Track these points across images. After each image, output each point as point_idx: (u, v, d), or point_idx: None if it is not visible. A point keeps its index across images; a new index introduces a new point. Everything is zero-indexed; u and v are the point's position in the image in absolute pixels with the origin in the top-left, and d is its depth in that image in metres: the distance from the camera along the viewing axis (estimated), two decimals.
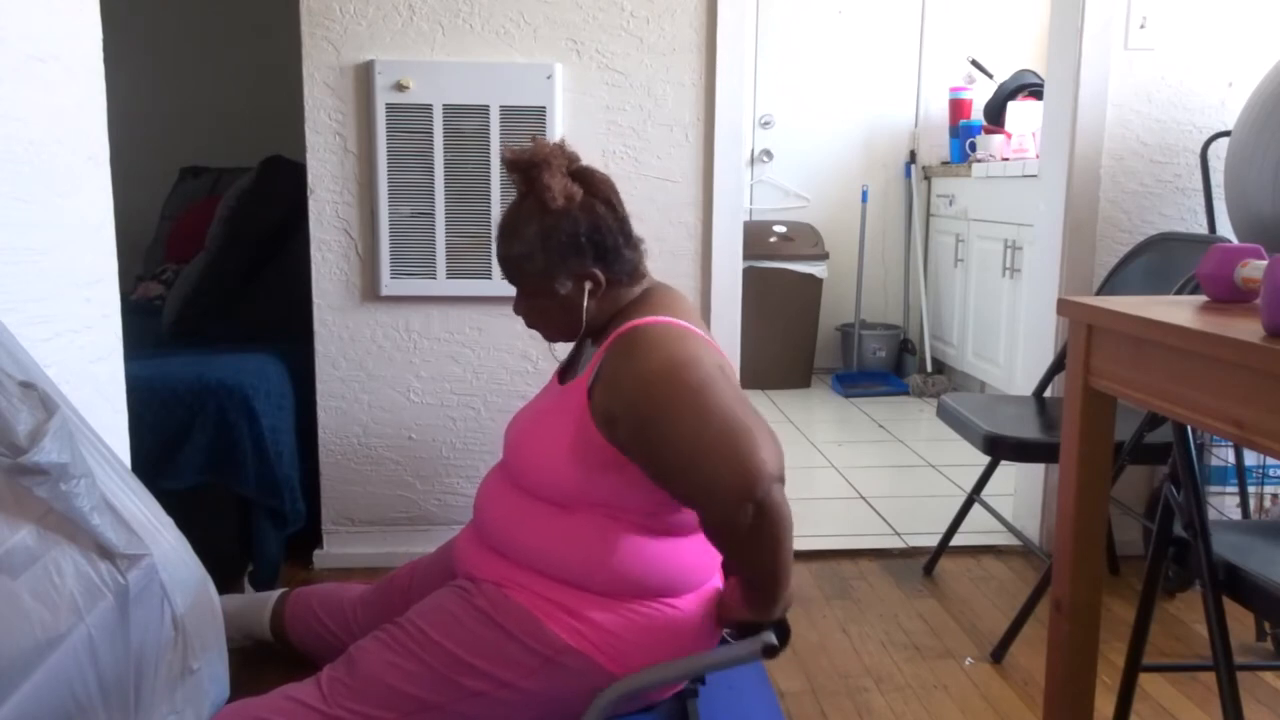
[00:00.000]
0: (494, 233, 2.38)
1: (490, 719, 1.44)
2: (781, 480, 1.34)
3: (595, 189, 1.53)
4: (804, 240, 4.53)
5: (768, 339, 4.47)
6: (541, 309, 1.57)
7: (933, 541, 2.57)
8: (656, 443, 1.36)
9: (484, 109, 2.35)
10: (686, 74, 2.41)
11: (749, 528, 1.32)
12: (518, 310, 1.59)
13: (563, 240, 1.49)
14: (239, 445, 2.13)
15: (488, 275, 2.41)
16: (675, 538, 1.48)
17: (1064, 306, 1.41)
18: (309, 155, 2.38)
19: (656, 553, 1.46)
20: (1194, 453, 1.47)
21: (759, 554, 1.35)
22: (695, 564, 1.50)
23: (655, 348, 1.41)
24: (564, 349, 2.18)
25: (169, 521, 1.38)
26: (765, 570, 1.36)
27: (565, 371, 1.65)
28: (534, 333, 2.45)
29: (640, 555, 1.45)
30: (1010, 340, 3.83)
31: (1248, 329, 1.09)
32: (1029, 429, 2.23)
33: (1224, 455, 2.41)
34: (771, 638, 1.38)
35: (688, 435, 1.33)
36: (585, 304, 1.53)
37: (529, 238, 1.51)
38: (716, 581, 1.57)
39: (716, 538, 1.37)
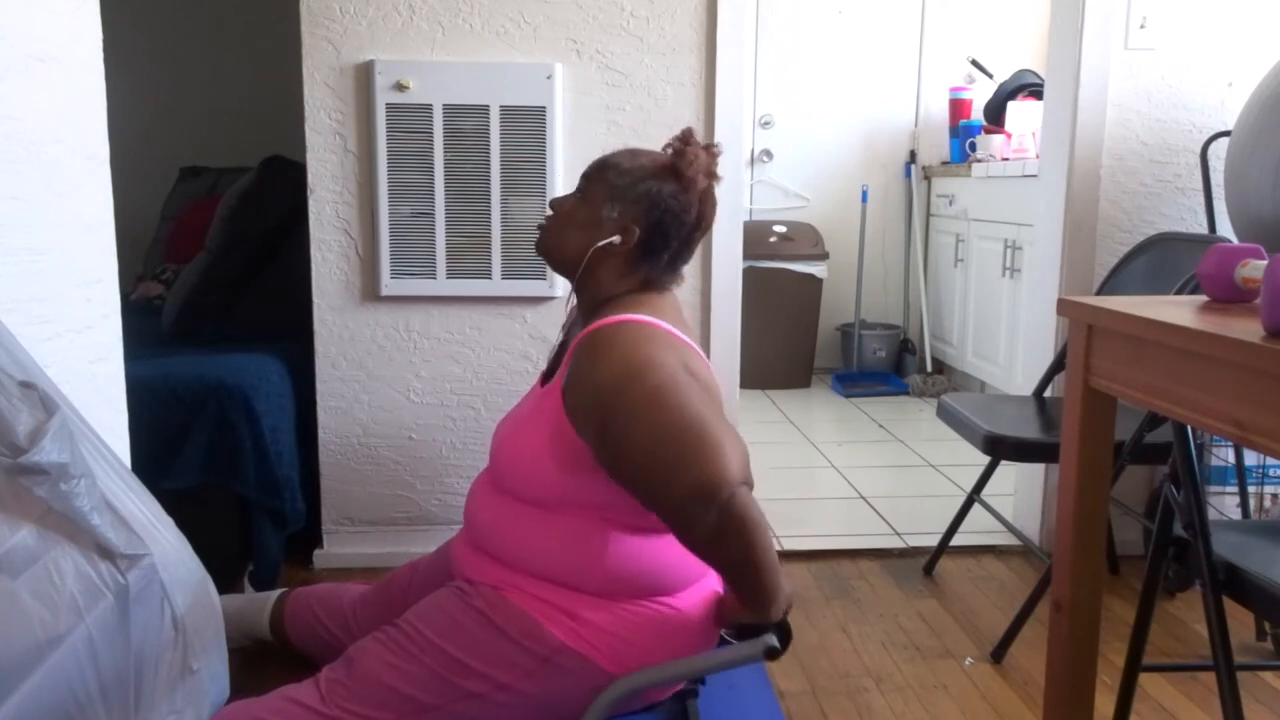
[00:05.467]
0: (494, 233, 2.39)
1: None
2: (748, 484, 1.33)
3: (705, 204, 1.57)
4: (804, 240, 4.53)
5: (768, 339, 4.47)
6: (571, 214, 1.56)
7: (933, 541, 2.57)
8: (614, 447, 1.36)
9: (484, 109, 2.35)
10: (686, 74, 2.41)
11: (714, 532, 1.31)
12: (554, 202, 1.60)
13: (653, 189, 1.52)
14: (239, 445, 2.13)
15: (488, 275, 2.41)
16: (667, 535, 1.47)
17: (1064, 306, 1.41)
18: (309, 155, 2.38)
19: (650, 551, 1.46)
20: (1194, 453, 1.47)
21: (730, 558, 1.34)
22: (689, 560, 1.49)
23: (614, 349, 1.40)
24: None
25: (169, 521, 1.38)
26: (742, 574, 1.35)
27: (547, 375, 1.65)
28: (534, 333, 2.47)
29: (634, 554, 1.45)
30: (1010, 340, 3.83)
31: (1248, 329, 1.09)
32: (1029, 429, 2.23)
33: (1224, 455, 2.41)
34: (773, 640, 1.37)
35: (643, 441, 1.33)
36: (599, 242, 1.52)
37: (641, 164, 1.55)
38: (713, 578, 1.57)
39: (683, 542, 1.37)
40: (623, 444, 1.35)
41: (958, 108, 4.56)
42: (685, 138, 1.56)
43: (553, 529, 1.46)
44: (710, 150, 1.56)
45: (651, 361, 1.38)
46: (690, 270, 2.46)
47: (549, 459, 1.45)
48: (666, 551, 1.47)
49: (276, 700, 1.42)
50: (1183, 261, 2.23)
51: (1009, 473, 2.70)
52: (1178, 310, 1.24)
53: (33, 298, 1.34)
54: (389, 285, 2.40)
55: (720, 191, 2.42)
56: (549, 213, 1.61)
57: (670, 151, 1.56)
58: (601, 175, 1.56)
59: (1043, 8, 4.56)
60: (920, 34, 4.81)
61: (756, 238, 4.37)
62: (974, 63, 4.66)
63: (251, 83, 3.74)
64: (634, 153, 1.58)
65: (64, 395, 1.27)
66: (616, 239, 1.52)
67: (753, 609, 1.38)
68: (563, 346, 1.68)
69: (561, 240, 1.56)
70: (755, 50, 4.74)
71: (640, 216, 1.52)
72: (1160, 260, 2.36)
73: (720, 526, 1.31)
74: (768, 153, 4.83)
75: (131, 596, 1.22)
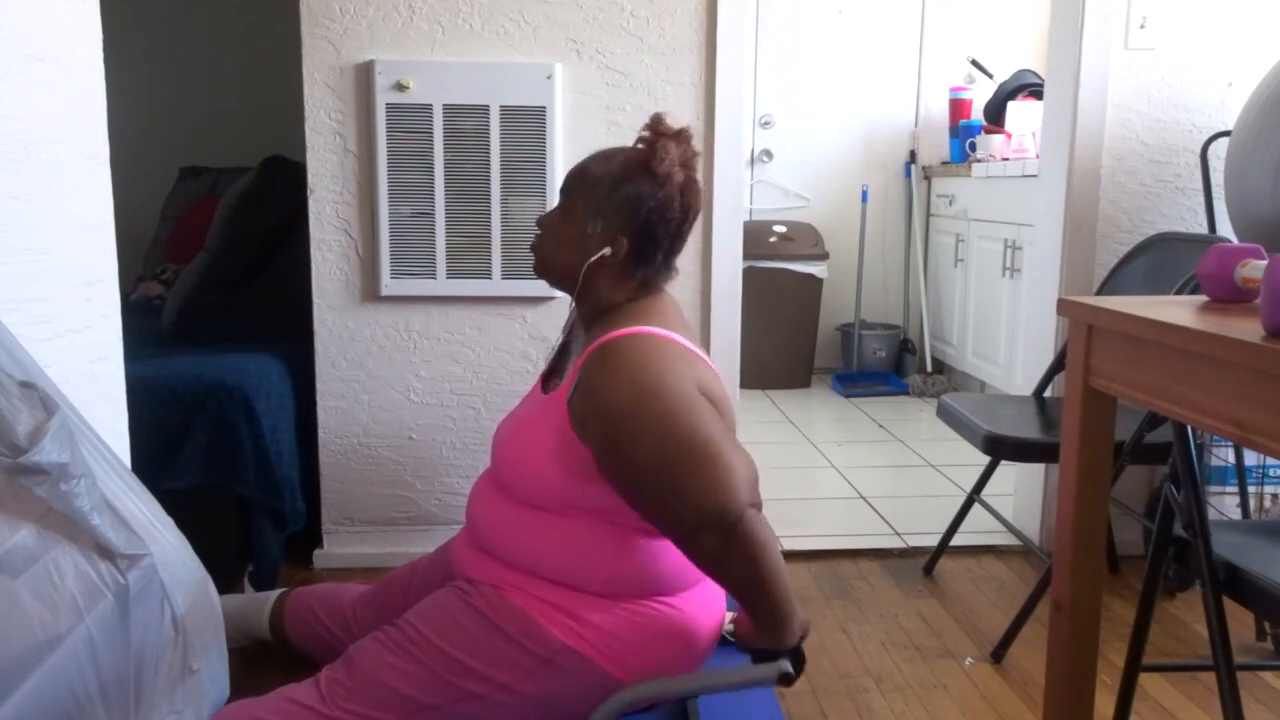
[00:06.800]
0: (494, 233, 2.39)
1: None
2: (755, 506, 1.33)
3: (688, 195, 1.54)
4: (804, 240, 4.53)
5: (768, 339, 4.47)
6: (557, 233, 1.55)
7: (933, 541, 2.57)
8: (621, 466, 1.37)
9: (484, 109, 2.35)
10: (686, 74, 2.41)
11: (718, 553, 1.32)
12: (540, 221, 1.58)
13: (631, 194, 1.50)
14: (239, 445, 2.13)
15: (488, 275, 2.41)
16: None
17: (1064, 306, 1.41)
18: (309, 155, 2.38)
19: (653, 552, 1.46)
20: (1194, 453, 1.47)
21: (735, 578, 1.34)
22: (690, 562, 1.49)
23: (626, 367, 1.39)
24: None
25: (169, 521, 1.38)
26: (749, 593, 1.35)
27: (548, 378, 1.65)
28: (534, 333, 2.46)
29: (636, 556, 1.45)
30: (1010, 340, 3.83)
31: (1248, 329, 1.09)
32: (1029, 429, 2.23)
33: (1224, 455, 2.41)
34: (787, 666, 1.36)
35: (651, 463, 1.33)
36: (590, 260, 1.51)
37: (614, 170, 1.52)
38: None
39: (689, 559, 1.37)
40: (629, 464, 1.35)
41: (958, 108, 4.56)
42: (654, 126, 1.52)
43: (555, 531, 1.46)
44: (681, 137, 1.53)
45: (662, 383, 1.37)
46: (690, 270, 2.46)
47: (555, 465, 1.45)
48: (670, 553, 1.47)
49: (276, 700, 1.42)
50: (1183, 261, 2.23)
51: (1009, 473, 2.70)
52: (1178, 310, 1.24)
53: (33, 298, 1.34)
54: (389, 285, 2.40)
55: (720, 191, 2.45)
56: (538, 231, 1.59)
57: (641, 146, 1.53)
58: (579, 187, 1.54)
59: (1043, 8, 4.56)
60: (920, 34, 4.81)
61: (756, 238, 4.37)
62: (974, 63, 4.66)
63: (251, 83, 3.74)
64: (607, 156, 1.55)
65: (64, 395, 1.27)
66: (607, 251, 1.51)
67: (765, 632, 1.37)
68: (564, 348, 1.68)
69: (554, 261, 1.56)
70: (755, 50, 4.74)
71: (624, 225, 1.51)
72: (1160, 260, 2.36)
73: (724, 549, 1.31)
74: (768, 153, 4.83)
75: (131, 596, 1.22)
